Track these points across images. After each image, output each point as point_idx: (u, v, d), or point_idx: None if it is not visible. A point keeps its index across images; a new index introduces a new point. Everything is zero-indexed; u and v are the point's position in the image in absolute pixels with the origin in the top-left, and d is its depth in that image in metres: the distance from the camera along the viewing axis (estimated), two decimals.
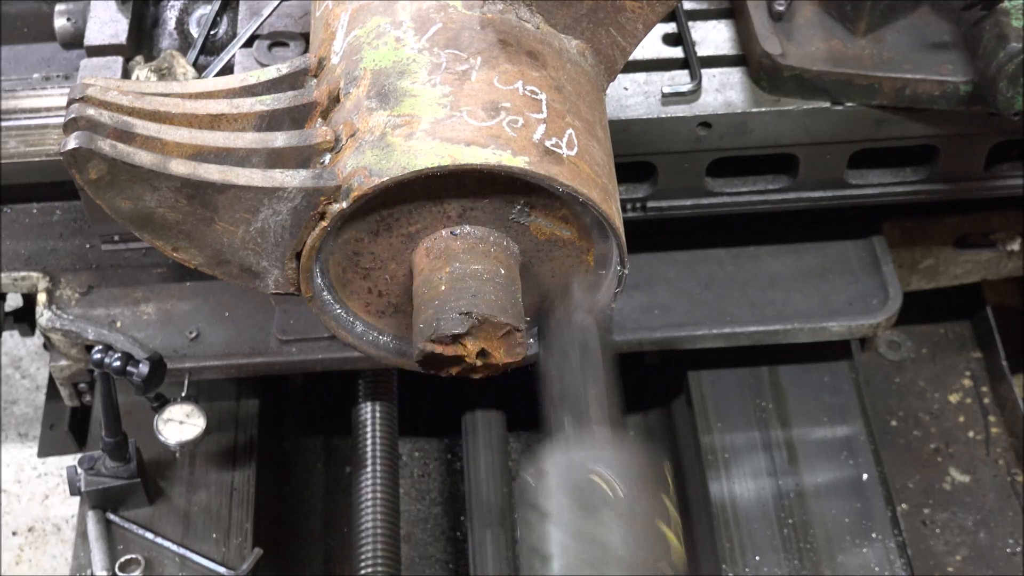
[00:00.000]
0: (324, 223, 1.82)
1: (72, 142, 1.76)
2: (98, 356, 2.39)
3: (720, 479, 2.71)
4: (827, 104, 2.49)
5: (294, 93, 1.92)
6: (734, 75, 2.55)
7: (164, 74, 2.47)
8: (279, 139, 1.85)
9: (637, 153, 2.55)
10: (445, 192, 1.84)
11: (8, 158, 2.58)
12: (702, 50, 2.57)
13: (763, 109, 2.50)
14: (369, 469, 2.72)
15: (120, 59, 2.52)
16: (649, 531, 1.62)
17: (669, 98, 2.51)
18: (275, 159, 1.84)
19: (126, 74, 2.51)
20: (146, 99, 1.87)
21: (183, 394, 2.58)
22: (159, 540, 2.54)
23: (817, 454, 2.75)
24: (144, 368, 2.39)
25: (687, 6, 2.64)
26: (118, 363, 2.38)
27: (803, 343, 2.76)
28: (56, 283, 2.68)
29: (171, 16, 2.62)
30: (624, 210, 2.51)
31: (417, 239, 1.89)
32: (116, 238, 2.60)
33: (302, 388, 3.09)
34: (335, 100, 1.89)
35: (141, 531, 2.55)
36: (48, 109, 2.65)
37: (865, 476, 2.71)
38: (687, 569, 1.65)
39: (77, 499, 2.61)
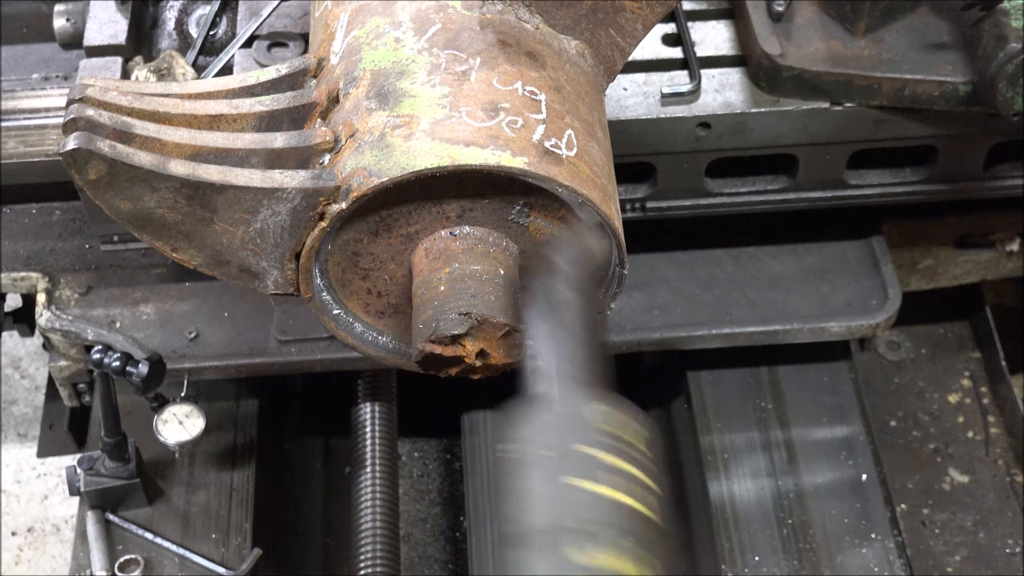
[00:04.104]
0: (323, 224, 1.82)
1: (71, 142, 1.76)
2: (97, 356, 2.39)
3: (719, 479, 2.71)
4: (826, 104, 2.49)
5: (293, 94, 1.92)
6: (733, 75, 2.55)
7: (163, 74, 2.47)
8: (278, 140, 1.85)
9: (636, 153, 2.55)
10: (444, 193, 1.84)
11: (8, 158, 2.58)
12: (701, 50, 2.57)
13: (762, 109, 2.50)
14: (368, 469, 2.72)
15: (119, 59, 2.52)
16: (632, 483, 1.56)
17: (668, 98, 2.51)
18: (274, 160, 1.84)
19: (125, 74, 2.51)
20: (145, 99, 1.87)
21: (182, 394, 2.58)
22: (158, 540, 2.54)
23: (816, 454, 2.75)
24: (143, 368, 2.39)
25: (686, 6, 2.64)
26: (117, 363, 2.38)
27: (802, 343, 2.77)
28: (55, 283, 2.68)
29: (170, 16, 2.62)
30: (623, 210, 2.51)
31: (416, 240, 1.89)
32: (115, 238, 2.60)
33: (302, 388, 3.09)
34: (334, 100, 1.89)
35: (140, 531, 2.55)
36: (47, 109, 2.65)
37: (864, 476, 2.71)
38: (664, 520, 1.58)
39: (76, 499, 2.62)
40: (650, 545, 1.51)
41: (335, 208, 1.80)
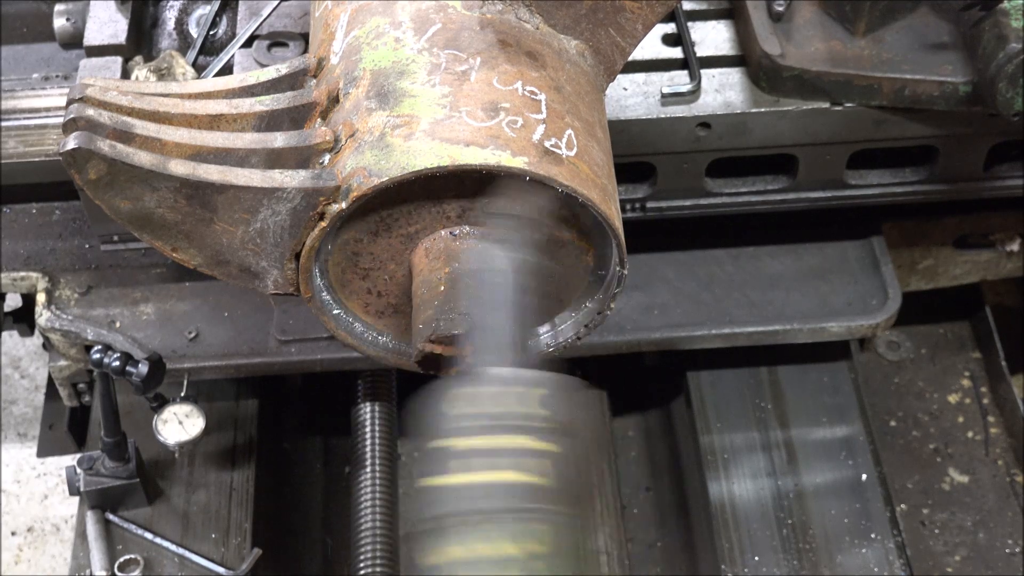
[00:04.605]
0: (323, 223, 1.82)
1: (71, 142, 1.76)
2: (97, 356, 2.39)
3: (719, 479, 2.71)
4: (826, 104, 2.49)
5: (293, 93, 1.92)
6: (733, 75, 2.55)
7: (163, 74, 2.47)
8: (278, 139, 1.85)
9: (637, 153, 2.55)
10: (444, 192, 1.84)
11: (8, 158, 2.58)
12: (701, 50, 2.57)
13: (762, 109, 2.50)
14: (368, 469, 2.72)
15: (119, 59, 2.52)
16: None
17: (668, 98, 2.51)
18: (274, 159, 1.84)
19: (125, 74, 2.51)
20: (145, 99, 1.87)
21: (182, 394, 2.58)
22: (158, 540, 2.54)
23: (816, 454, 2.75)
24: (143, 368, 2.39)
25: (687, 6, 2.64)
26: (117, 363, 2.38)
27: (802, 343, 2.76)
28: (55, 283, 2.68)
29: (170, 16, 2.62)
30: (624, 210, 2.51)
31: (416, 239, 1.89)
32: (115, 238, 2.60)
33: (302, 388, 3.09)
34: (334, 100, 1.89)
35: (140, 531, 2.55)
36: (47, 109, 2.65)
37: (864, 476, 2.71)
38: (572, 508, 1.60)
39: (76, 499, 2.61)
40: (543, 513, 1.52)
41: (335, 208, 1.80)
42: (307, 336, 2.64)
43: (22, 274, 2.69)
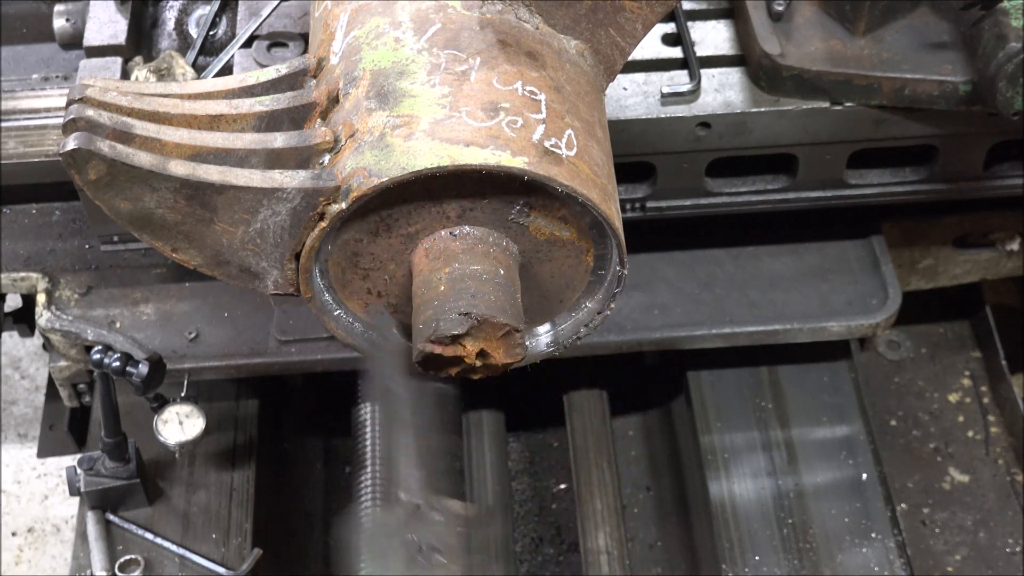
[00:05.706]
0: (323, 224, 1.82)
1: (71, 143, 1.76)
2: (97, 356, 2.39)
3: (720, 479, 2.71)
4: (826, 104, 2.49)
5: (293, 94, 1.92)
6: (733, 75, 2.55)
7: (163, 75, 2.47)
8: (278, 140, 1.85)
9: (636, 153, 2.55)
10: (444, 192, 1.84)
11: (8, 159, 2.58)
12: (701, 50, 2.57)
13: (762, 109, 2.50)
14: (369, 469, 2.72)
15: (119, 60, 2.52)
16: None
17: (668, 98, 2.51)
18: (274, 160, 1.84)
19: (125, 75, 2.51)
20: (145, 100, 1.87)
21: (182, 394, 2.58)
22: (159, 540, 2.54)
23: (816, 454, 2.75)
24: (143, 368, 2.39)
25: (686, 6, 2.64)
26: (117, 363, 2.38)
27: (802, 343, 2.77)
28: (55, 284, 2.68)
29: (170, 16, 2.62)
30: (623, 210, 2.51)
31: (416, 240, 1.89)
32: (115, 239, 2.60)
33: (302, 388, 3.09)
34: (334, 101, 1.89)
35: (141, 531, 2.55)
36: (47, 110, 2.65)
37: (864, 476, 2.71)
38: None
39: (77, 499, 2.62)
40: None
41: (335, 208, 1.80)
42: (307, 336, 2.64)
43: (22, 274, 2.69)
